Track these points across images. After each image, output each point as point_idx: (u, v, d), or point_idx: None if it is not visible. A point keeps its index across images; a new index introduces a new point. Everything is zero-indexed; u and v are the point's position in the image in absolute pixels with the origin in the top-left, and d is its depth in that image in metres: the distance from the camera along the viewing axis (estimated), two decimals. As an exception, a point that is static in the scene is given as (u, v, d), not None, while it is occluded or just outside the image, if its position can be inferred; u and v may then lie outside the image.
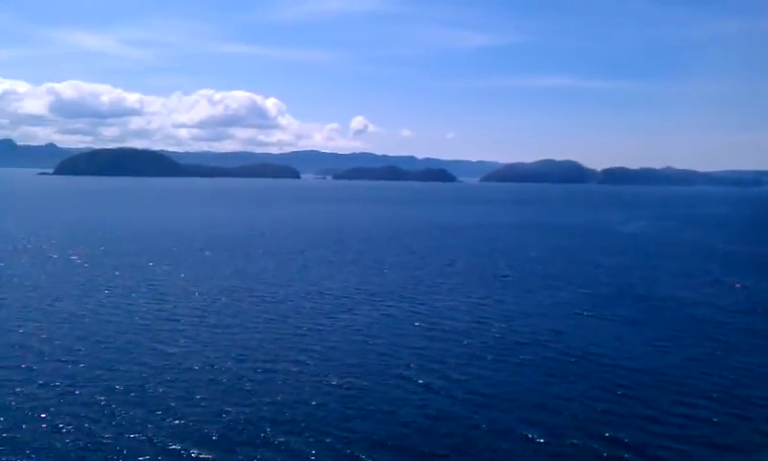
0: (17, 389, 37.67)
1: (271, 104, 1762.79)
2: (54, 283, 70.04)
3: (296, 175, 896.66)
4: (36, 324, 52.26)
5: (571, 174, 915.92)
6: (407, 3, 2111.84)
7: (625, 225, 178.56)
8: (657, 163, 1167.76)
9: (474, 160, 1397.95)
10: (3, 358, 43.29)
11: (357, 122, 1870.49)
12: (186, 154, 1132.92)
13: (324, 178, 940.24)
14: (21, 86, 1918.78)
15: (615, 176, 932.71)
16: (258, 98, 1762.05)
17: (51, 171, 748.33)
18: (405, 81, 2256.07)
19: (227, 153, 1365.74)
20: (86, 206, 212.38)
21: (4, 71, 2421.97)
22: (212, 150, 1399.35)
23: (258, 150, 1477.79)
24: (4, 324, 52.30)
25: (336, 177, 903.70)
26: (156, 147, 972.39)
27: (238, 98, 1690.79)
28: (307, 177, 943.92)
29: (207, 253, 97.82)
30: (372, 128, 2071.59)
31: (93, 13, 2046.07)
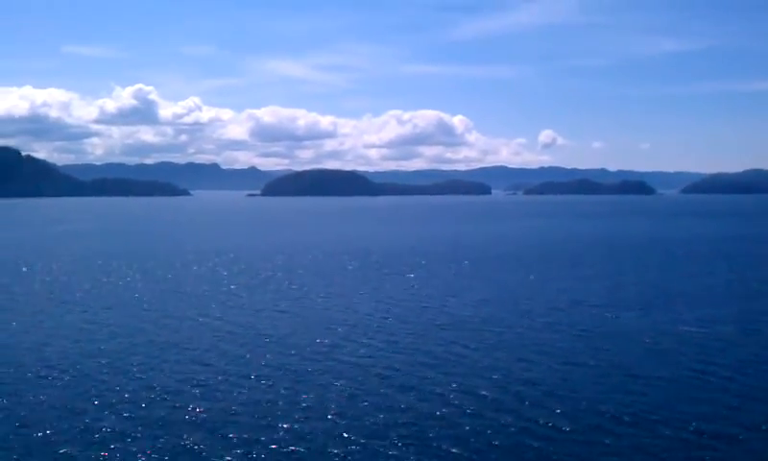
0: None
1: (458, 121, 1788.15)
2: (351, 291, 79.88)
3: (486, 191, 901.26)
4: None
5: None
6: (590, 13, 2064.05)
7: None
8: None
9: (672, 171, 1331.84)
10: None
11: (545, 136, 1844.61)
12: (376, 173, 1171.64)
13: (514, 193, 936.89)
14: (225, 114, 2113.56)
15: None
16: (446, 116, 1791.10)
17: (258, 192, 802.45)
18: (593, 91, 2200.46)
19: (414, 171, 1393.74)
20: (323, 225, 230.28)
21: (210, 100, 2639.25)
22: (400, 168, 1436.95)
23: (445, 167, 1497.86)
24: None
25: (527, 192, 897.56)
26: (348, 167, 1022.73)
27: (426, 117, 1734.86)
28: (497, 192, 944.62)
29: (460, 264, 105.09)
30: (560, 141, 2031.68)
31: (288, 43, 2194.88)
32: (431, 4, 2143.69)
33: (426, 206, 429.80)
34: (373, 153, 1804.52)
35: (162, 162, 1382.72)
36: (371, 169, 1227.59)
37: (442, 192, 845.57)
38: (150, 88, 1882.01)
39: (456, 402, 39.70)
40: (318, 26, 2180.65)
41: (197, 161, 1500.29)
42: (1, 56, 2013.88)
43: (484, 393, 41.32)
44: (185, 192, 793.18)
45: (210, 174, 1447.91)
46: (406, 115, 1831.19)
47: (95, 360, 48.75)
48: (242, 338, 55.87)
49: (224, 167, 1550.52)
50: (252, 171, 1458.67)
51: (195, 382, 43.55)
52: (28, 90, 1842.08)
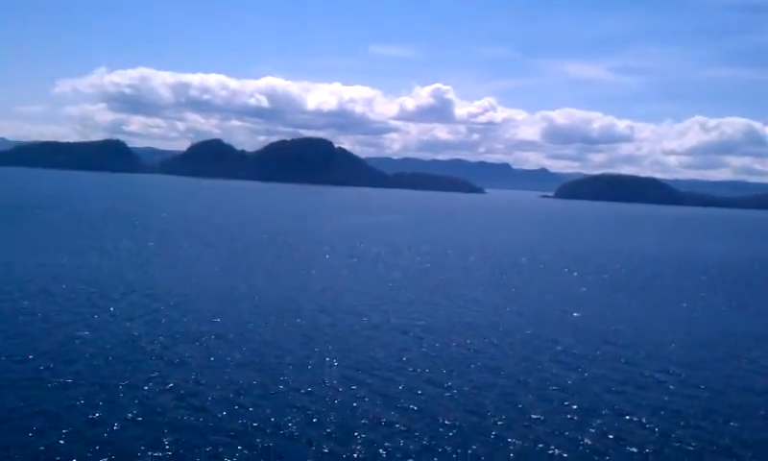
0: None
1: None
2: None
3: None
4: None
5: None
6: None
7: None
8: None
9: None
10: None
11: None
12: (675, 181, 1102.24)
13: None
14: (519, 115, 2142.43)
15: None
16: (756, 124, 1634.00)
17: (551, 194, 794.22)
18: None
19: (717, 181, 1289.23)
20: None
21: (504, 101, 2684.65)
22: (702, 178, 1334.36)
23: (752, 179, 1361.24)
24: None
25: None
26: (644, 173, 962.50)
27: (734, 124, 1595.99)
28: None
29: None
30: None
31: (583, 44, 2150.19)
32: (738, 6, 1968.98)
33: (751, 221, 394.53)
34: (672, 160, 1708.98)
35: (454, 159, 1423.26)
36: (668, 177, 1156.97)
37: (753, 206, 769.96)
38: (447, 88, 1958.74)
39: None
40: (613, 28, 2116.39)
41: (487, 160, 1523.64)
42: (314, 55, 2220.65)
43: None
44: (480, 190, 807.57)
45: (500, 173, 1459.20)
46: (712, 122, 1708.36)
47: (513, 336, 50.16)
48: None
49: (514, 167, 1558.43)
50: (542, 172, 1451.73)
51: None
52: (337, 87, 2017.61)
